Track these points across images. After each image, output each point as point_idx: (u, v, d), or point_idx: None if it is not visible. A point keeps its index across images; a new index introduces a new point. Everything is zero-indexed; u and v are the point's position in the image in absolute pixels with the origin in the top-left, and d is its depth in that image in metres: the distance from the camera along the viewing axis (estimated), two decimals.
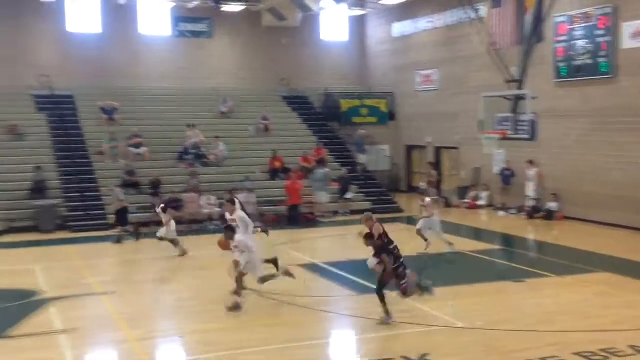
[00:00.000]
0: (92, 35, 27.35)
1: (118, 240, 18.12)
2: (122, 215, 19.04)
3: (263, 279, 11.78)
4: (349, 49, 31.28)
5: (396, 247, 10.93)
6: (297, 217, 21.74)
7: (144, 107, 26.74)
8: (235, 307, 11.23)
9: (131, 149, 23.84)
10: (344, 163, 25.69)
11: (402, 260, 10.88)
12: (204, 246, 16.67)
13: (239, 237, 11.68)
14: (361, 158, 26.79)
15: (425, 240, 16.16)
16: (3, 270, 15.30)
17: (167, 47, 28.65)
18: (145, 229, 18.77)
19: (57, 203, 20.97)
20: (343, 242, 19.09)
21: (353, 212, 22.38)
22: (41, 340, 10.09)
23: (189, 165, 23.63)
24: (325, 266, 15.23)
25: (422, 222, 16.42)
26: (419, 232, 16.30)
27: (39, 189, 21.19)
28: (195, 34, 29.06)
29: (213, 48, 29.48)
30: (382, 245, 10.65)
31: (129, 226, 18.80)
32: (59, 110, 25.47)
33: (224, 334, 10.26)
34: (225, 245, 11.96)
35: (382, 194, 25.18)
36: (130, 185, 22.23)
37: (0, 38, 26.14)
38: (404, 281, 10.68)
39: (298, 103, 29.18)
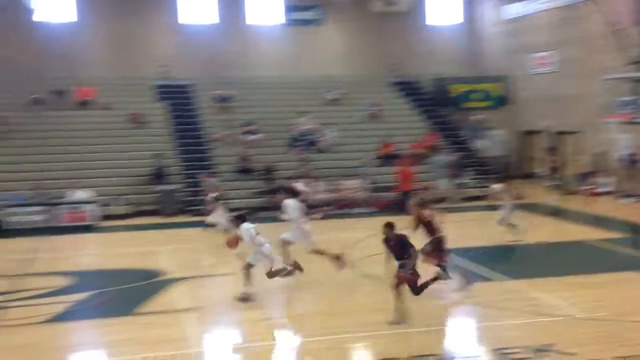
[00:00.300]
0: (206, 26, 28.27)
1: (207, 226, 18.49)
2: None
3: (271, 274, 11.56)
4: (460, 32, 30.62)
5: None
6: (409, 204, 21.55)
7: (256, 95, 27.35)
8: (244, 298, 11.15)
9: (245, 136, 24.49)
10: (455, 149, 25.25)
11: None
12: (313, 232, 16.82)
13: (244, 226, 11.43)
14: (478, 144, 26.22)
15: (514, 226, 15.70)
16: (130, 251, 16.22)
17: (278, 36, 29.14)
18: (262, 213, 19.18)
19: (177, 188, 21.89)
20: (456, 229, 18.71)
21: (466, 199, 22.06)
22: (167, 318, 10.59)
23: (300, 151, 24.00)
24: None
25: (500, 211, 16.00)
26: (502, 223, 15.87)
27: (159, 175, 22.20)
28: (306, 22, 29.38)
29: (323, 35, 29.70)
30: (399, 241, 10.19)
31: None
32: (178, 99, 26.55)
33: (340, 317, 10.36)
34: (231, 243, 11.65)
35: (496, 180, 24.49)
36: (245, 171, 22.88)
37: (122, 31, 27.48)
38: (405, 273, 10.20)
39: (408, 89, 28.92)
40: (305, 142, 24.47)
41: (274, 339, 9.95)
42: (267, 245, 11.56)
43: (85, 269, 14.55)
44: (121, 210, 21.05)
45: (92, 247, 18.01)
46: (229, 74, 27.63)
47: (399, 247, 10.17)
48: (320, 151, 24.45)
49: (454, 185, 22.88)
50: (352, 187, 22.11)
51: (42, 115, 24.37)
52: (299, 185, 16.59)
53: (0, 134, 23.15)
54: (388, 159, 23.88)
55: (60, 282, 13.08)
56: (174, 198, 21.53)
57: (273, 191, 21.42)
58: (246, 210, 13.03)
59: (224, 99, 26.35)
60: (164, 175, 22.22)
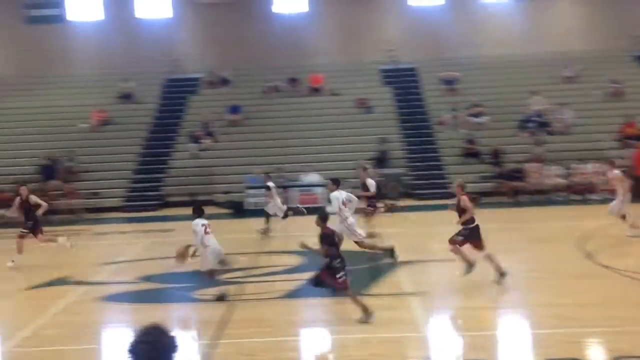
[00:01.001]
0: (432, 8, 27.94)
1: (389, 209, 18.07)
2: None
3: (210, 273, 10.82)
4: None
5: None
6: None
7: (483, 76, 26.52)
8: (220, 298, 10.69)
9: (471, 118, 23.86)
10: None
11: None
12: (545, 218, 15.92)
13: (196, 221, 10.62)
14: None
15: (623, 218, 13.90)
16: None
17: (507, 12, 27.98)
18: (486, 198, 18.62)
19: (401, 172, 21.98)
20: None
21: None
22: (394, 300, 10.63)
23: (530, 133, 22.82)
24: None
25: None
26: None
27: (382, 159, 22.43)
28: None
29: (556, 8, 27.94)
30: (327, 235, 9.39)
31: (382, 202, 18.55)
32: (403, 83, 26.63)
33: (577, 309, 9.61)
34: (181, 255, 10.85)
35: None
36: (471, 154, 22.31)
37: (350, 17, 28.16)
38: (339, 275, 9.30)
39: None
40: (537, 124, 23.21)
41: (499, 328, 9.53)
42: (216, 247, 10.72)
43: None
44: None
45: None
46: (456, 54, 27.09)
47: (326, 242, 9.53)
48: (553, 133, 23.04)
49: None
50: (589, 171, 20.56)
51: (277, 102, 25.87)
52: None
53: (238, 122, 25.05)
54: (631, 140, 21.81)
55: (293, 260, 13.71)
56: (398, 182, 21.63)
57: (501, 176, 20.67)
58: (200, 202, 12.71)
59: (449, 81, 25.90)
60: (387, 159, 22.42)
